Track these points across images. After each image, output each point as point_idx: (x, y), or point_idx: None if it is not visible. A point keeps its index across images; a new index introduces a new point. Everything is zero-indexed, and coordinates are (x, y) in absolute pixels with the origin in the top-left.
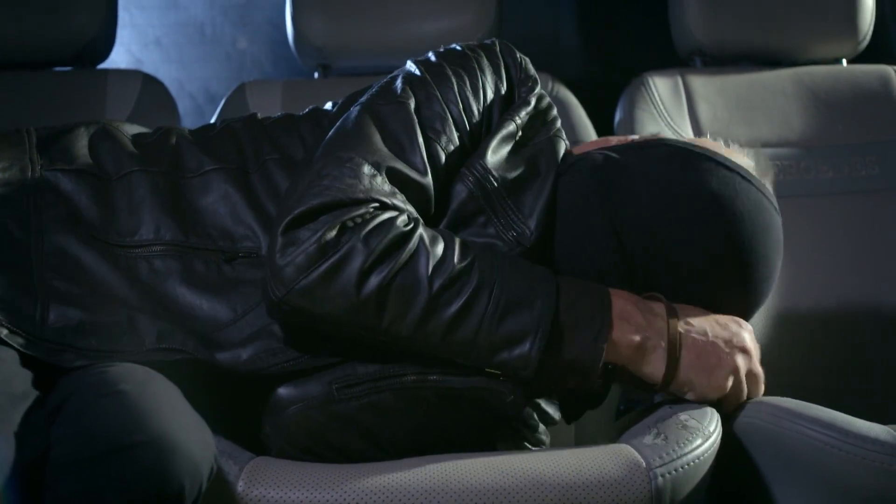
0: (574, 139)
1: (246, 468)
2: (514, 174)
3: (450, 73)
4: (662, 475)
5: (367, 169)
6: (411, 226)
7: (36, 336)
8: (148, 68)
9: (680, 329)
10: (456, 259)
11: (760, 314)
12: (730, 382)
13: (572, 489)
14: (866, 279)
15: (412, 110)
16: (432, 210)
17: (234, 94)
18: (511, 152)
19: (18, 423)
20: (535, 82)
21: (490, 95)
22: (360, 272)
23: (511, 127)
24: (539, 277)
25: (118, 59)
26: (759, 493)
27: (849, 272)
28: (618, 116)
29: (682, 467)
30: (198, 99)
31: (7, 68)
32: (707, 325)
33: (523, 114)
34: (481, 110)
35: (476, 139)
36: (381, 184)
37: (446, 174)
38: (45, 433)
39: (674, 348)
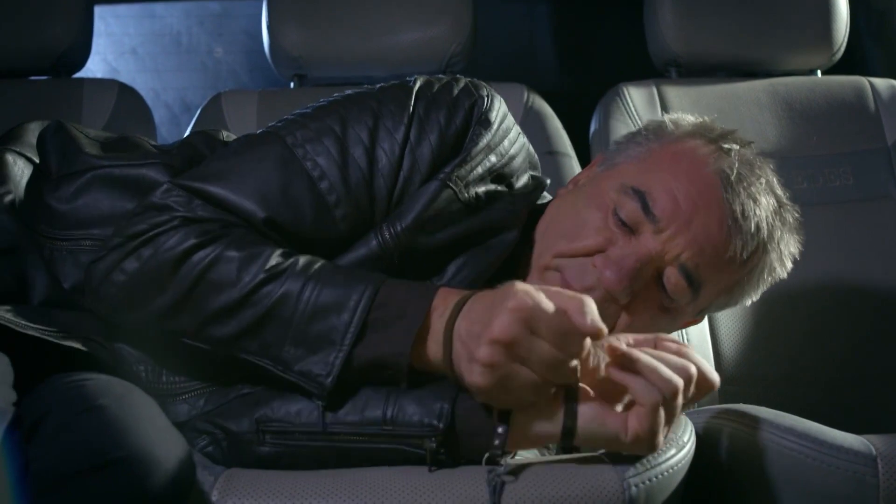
0: (549, 150)
1: (220, 478)
2: (443, 239)
3: (374, 110)
4: (636, 485)
5: (181, 197)
6: (223, 230)
7: None
8: (124, 77)
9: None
10: (266, 265)
11: (738, 326)
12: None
13: (546, 500)
14: (841, 290)
15: (284, 144)
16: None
17: (209, 104)
18: (445, 216)
19: None
20: (489, 128)
21: (421, 135)
22: (179, 255)
23: (437, 189)
24: (357, 280)
25: (94, 68)
26: (733, 503)
27: (824, 283)
28: (593, 127)
29: (655, 477)
30: (174, 108)
31: None
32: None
33: (458, 172)
34: (398, 152)
35: (388, 179)
36: (199, 209)
37: (333, 214)
38: (24, 451)
39: (447, 339)
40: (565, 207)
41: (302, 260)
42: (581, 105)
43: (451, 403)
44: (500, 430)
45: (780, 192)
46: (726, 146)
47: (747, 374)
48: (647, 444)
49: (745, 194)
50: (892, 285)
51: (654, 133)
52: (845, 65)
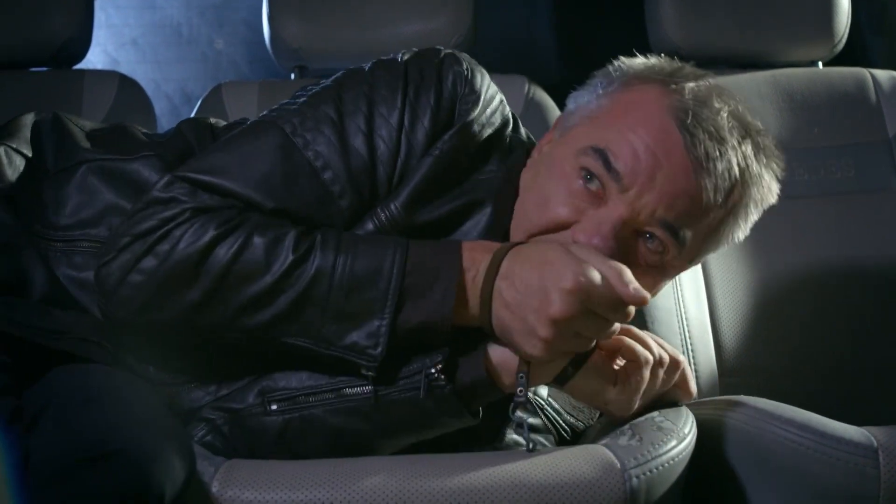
0: None
1: (220, 469)
2: (439, 213)
3: (368, 95)
4: (637, 476)
5: (185, 189)
6: (238, 217)
7: None
8: (124, 69)
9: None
10: (290, 250)
11: (738, 317)
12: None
13: (547, 490)
14: (842, 282)
15: (283, 133)
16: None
17: (210, 95)
18: (438, 189)
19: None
20: (476, 101)
21: (414, 119)
22: (200, 251)
23: (430, 165)
24: (383, 246)
25: (95, 59)
26: (733, 494)
27: (825, 275)
28: None
29: (656, 468)
30: (174, 100)
31: None
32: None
33: (449, 146)
34: (395, 137)
35: (388, 166)
36: (207, 199)
37: (339, 204)
38: (24, 442)
39: (486, 300)
40: (530, 180)
41: (324, 234)
42: None
43: (447, 352)
44: (521, 376)
45: (747, 118)
46: (675, 85)
47: (748, 366)
48: (624, 406)
49: (706, 135)
50: (892, 278)
51: (602, 85)
52: (846, 56)
